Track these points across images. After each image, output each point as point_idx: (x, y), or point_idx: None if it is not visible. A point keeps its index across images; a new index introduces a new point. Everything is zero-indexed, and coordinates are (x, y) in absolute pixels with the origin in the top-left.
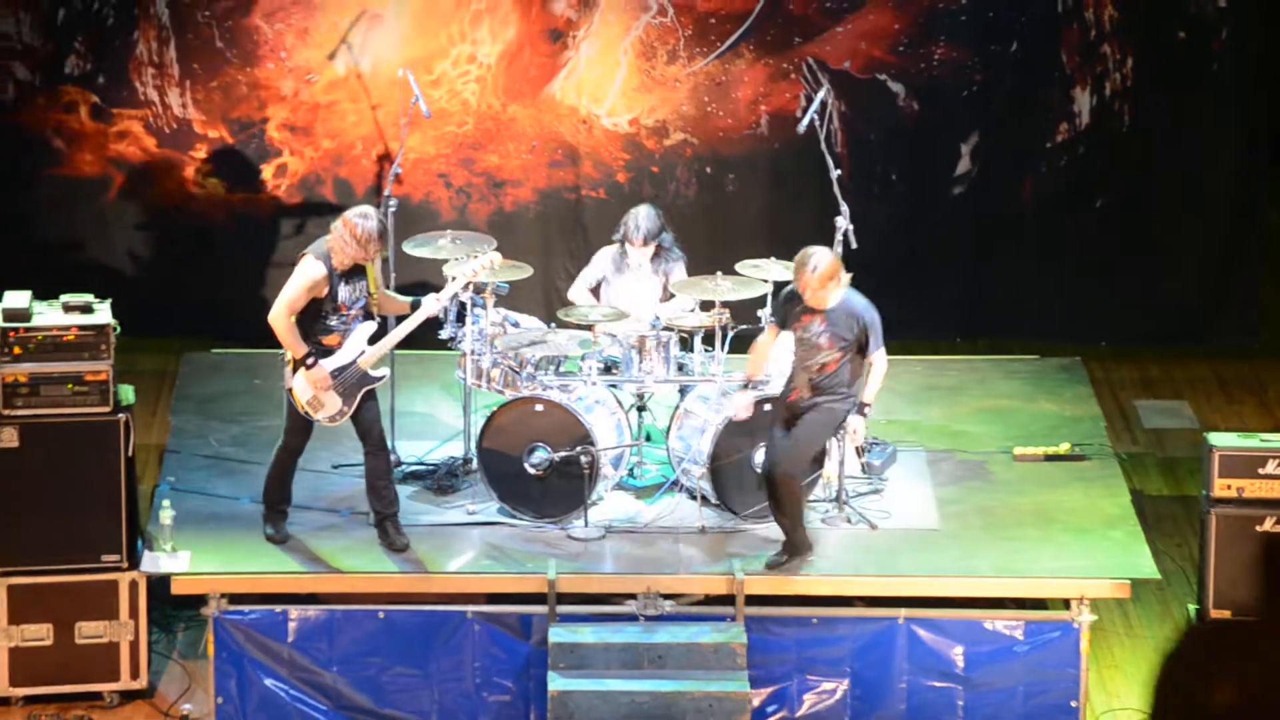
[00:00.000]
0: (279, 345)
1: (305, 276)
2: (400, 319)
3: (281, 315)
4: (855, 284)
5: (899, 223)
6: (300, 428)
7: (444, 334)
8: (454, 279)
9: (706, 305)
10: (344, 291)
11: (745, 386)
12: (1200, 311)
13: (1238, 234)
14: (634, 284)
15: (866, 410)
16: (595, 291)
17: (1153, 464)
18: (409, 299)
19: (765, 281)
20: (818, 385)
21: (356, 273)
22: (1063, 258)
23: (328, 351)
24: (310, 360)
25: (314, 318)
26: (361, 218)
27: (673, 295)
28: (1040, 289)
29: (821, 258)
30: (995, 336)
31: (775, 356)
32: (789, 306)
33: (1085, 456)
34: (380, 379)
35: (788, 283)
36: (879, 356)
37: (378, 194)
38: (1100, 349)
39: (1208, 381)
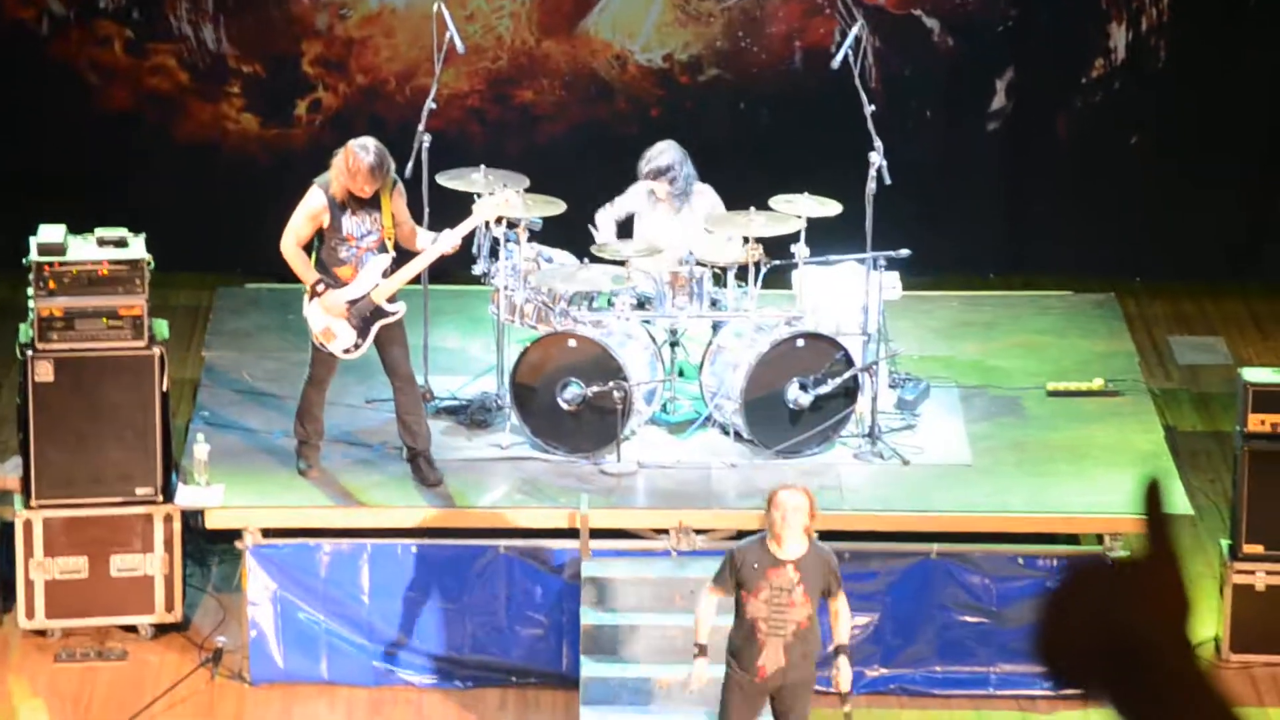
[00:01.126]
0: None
1: (305, 205)
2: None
3: (288, 243)
4: (896, 222)
5: (933, 159)
6: (323, 360)
7: (477, 269)
8: (473, 216)
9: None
10: (349, 223)
11: (698, 654)
12: (1235, 247)
13: (1273, 171)
14: (666, 220)
15: (844, 654)
16: (626, 225)
17: (1186, 400)
18: (432, 234)
19: (799, 217)
20: (792, 650)
21: (367, 205)
22: (1097, 193)
23: (341, 283)
24: (320, 287)
25: (326, 248)
26: (361, 149)
27: (708, 230)
28: (1075, 225)
29: (800, 497)
30: (1029, 272)
31: (809, 294)
32: (749, 558)
33: (1119, 392)
34: (395, 314)
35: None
36: (843, 600)
37: (411, 129)
38: (1134, 285)
39: (1242, 317)
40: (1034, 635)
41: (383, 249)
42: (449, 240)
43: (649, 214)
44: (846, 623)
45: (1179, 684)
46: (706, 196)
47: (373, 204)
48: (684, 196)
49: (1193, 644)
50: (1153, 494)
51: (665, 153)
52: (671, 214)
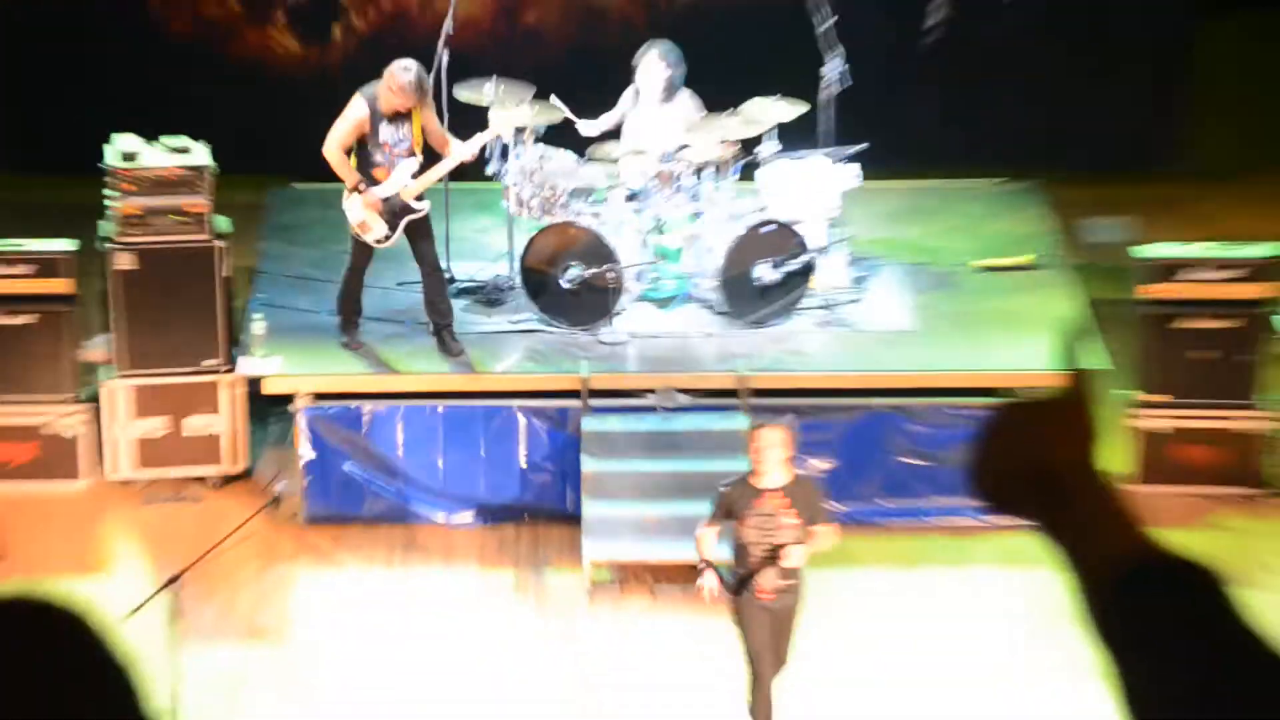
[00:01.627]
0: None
1: (349, 113)
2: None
3: (331, 147)
4: (852, 121)
5: (884, 62)
6: (360, 249)
7: (489, 169)
8: (489, 129)
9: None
10: (386, 131)
11: (704, 568)
12: (1140, 138)
13: (1172, 71)
14: (653, 119)
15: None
16: (615, 133)
17: (1096, 273)
18: (460, 143)
19: (767, 120)
20: (786, 573)
21: (402, 117)
22: (1027, 94)
23: (376, 183)
24: (362, 186)
25: (364, 152)
26: (402, 70)
27: (692, 136)
28: (1007, 122)
29: (776, 433)
30: (966, 163)
31: (783, 192)
32: (735, 493)
33: (1038, 266)
34: (421, 210)
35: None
36: (828, 530)
37: (432, 50)
38: (1054, 174)
39: (1143, 200)
40: (969, 469)
41: (411, 154)
42: (468, 149)
43: (633, 114)
44: (824, 541)
45: (1093, 503)
46: (688, 100)
47: (406, 116)
48: (672, 90)
49: (1103, 470)
50: (1069, 349)
51: (661, 53)
52: (659, 112)
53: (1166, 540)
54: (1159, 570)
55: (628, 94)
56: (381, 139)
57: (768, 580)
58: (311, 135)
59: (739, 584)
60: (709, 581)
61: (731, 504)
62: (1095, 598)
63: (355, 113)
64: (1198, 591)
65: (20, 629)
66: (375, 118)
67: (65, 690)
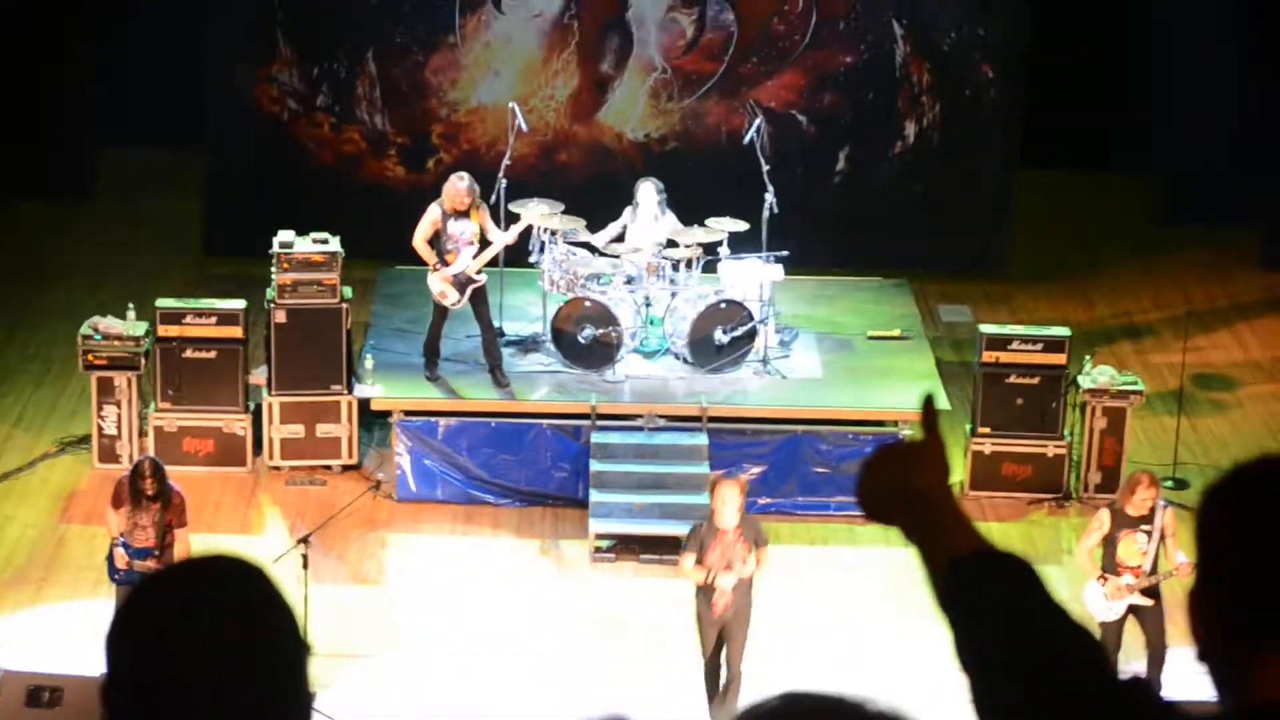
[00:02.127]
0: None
1: (427, 216)
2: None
3: (417, 240)
4: (780, 234)
5: (802, 197)
6: (439, 311)
7: (532, 259)
8: (521, 221)
9: (688, 245)
10: (454, 227)
11: (708, 582)
12: (978, 251)
13: (999, 206)
14: (644, 229)
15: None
16: (619, 238)
17: (947, 343)
18: (499, 231)
19: (722, 231)
20: (738, 591)
21: (464, 216)
22: (898, 220)
23: (447, 264)
24: (438, 266)
25: (439, 243)
26: (458, 178)
27: (672, 241)
28: (887, 237)
29: (733, 488)
30: (859, 265)
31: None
32: (704, 529)
33: (909, 337)
34: (480, 281)
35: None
36: (765, 552)
37: (495, 177)
38: (919, 274)
39: (978, 294)
40: (854, 489)
41: (472, 244)
42: (508, 237)
43: (632, 227)
44: (761, 564)
45: (939, 512)
46: (671, 217)
47: (466, 215)
48: (660, 208)
49: (951, 489)
50: (928, 401)
51: (652, 184)
52: (646, 225)
53: (992, 537)
54: (986, 559)
55: (628, 211)
56: (450, 232)
57: (723, 595)
58: (409, 234)
59: (701, 598)
60: (724, 583)
61: (701, 538)
62: (940, 581)
63: (431, 215)
64: (1014, 573)
65: (221, 579)
66: (445, 217)
67: (255, 621)
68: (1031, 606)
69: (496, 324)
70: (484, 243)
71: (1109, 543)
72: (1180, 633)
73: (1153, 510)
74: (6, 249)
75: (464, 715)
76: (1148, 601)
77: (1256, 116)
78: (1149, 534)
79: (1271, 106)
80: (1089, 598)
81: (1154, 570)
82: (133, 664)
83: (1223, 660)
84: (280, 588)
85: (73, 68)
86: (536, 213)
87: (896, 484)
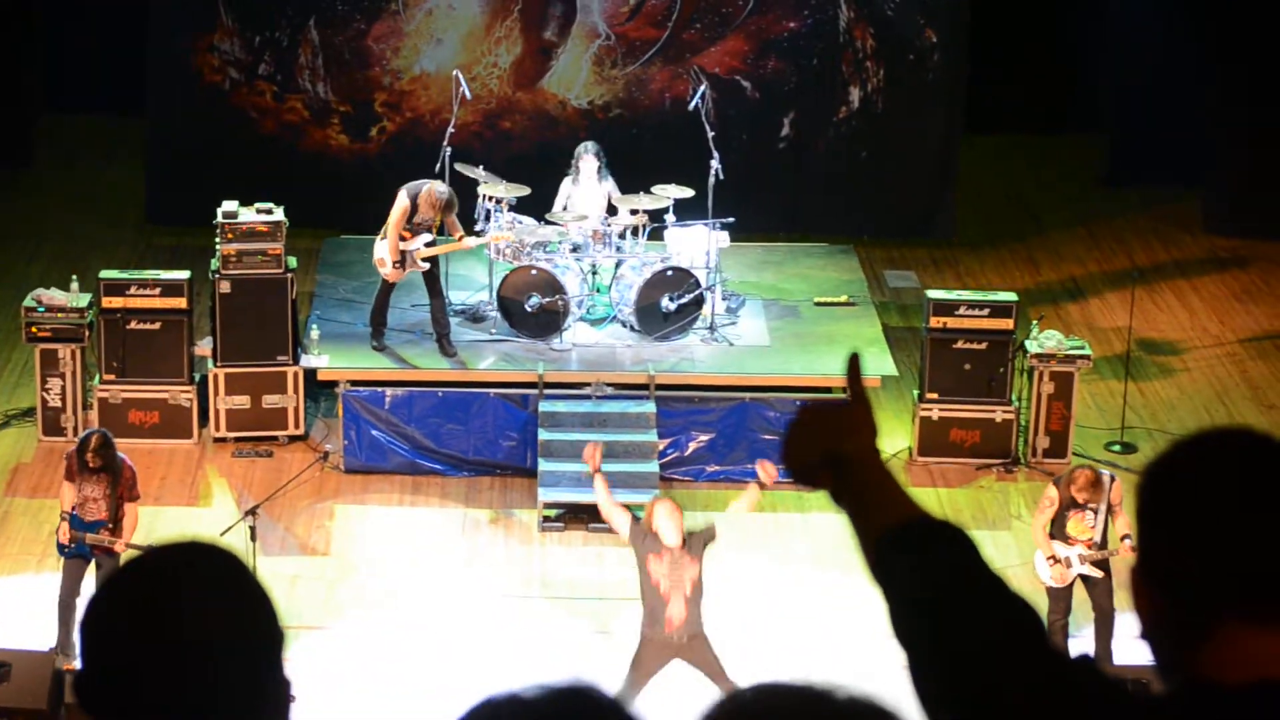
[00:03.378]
0: (376, 233)
1: (397, 206)
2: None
3: (389, 224)
4: (726, 201)
5: (746, 163)
6: (384, 281)
7: (478, 227)
8: (473, 240)
9: (633, 211)
10: (416, 218)
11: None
12: (923, 217)
13: (944, 171)
14: (586, 195)
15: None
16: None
17: (894, 308)
18: (461, 235)
19: (668, 198)
20: (690, 605)
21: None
22: (844, 186)
23: (402, 238)
24: (384, 235)
25: (403, 225)
26: (440, 191)
27: (613, 206)
28: (832, 203)
29: (670, 511)
30: (805, 231)
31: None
32: (644, 538)
33: (855, 303)
34: (422, 267)
35: None
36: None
37: (439, 144)
38: (865, 240)
39: (925, 259)
40: (781, 452)
41: (429, 233)
42: (467, 243)
43: (574, 194)
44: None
45: (869, 478)
46: (610, 183)
47: (428, 230)
48: (600, 173)
49: (879, 454)
50: (853, 361)
51: (590, 148)
52: (587, 191)
53: (941, 503)
54: (920, 528)
55: (567, 180)
56: (413, 221)
57: (677, 614)
58: (354, 202)
59: (649, 619)
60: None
61: (647, 540)
62: (872, 551)
63: (401, 203)
64: (949, 543)
65: (199, 565)
66: (412, 209)
67: (235, 607)
68: (967, 578)
69: (444, 293)
70: (439, 235)
71: (1058, 519)
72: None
73: (1097, 488)
74: None
75: (413, 686)
76: (1098, 573)
77: (1197, 79)
78: (1095, 511)
79: (1212, 68)
80: (1039, 564)
81: (1104, 544)
82: (110, 651)
83: (1165, 639)
84: (257, 574)
85: (13, 34)
86: (485, 239)
87: (823, 447)
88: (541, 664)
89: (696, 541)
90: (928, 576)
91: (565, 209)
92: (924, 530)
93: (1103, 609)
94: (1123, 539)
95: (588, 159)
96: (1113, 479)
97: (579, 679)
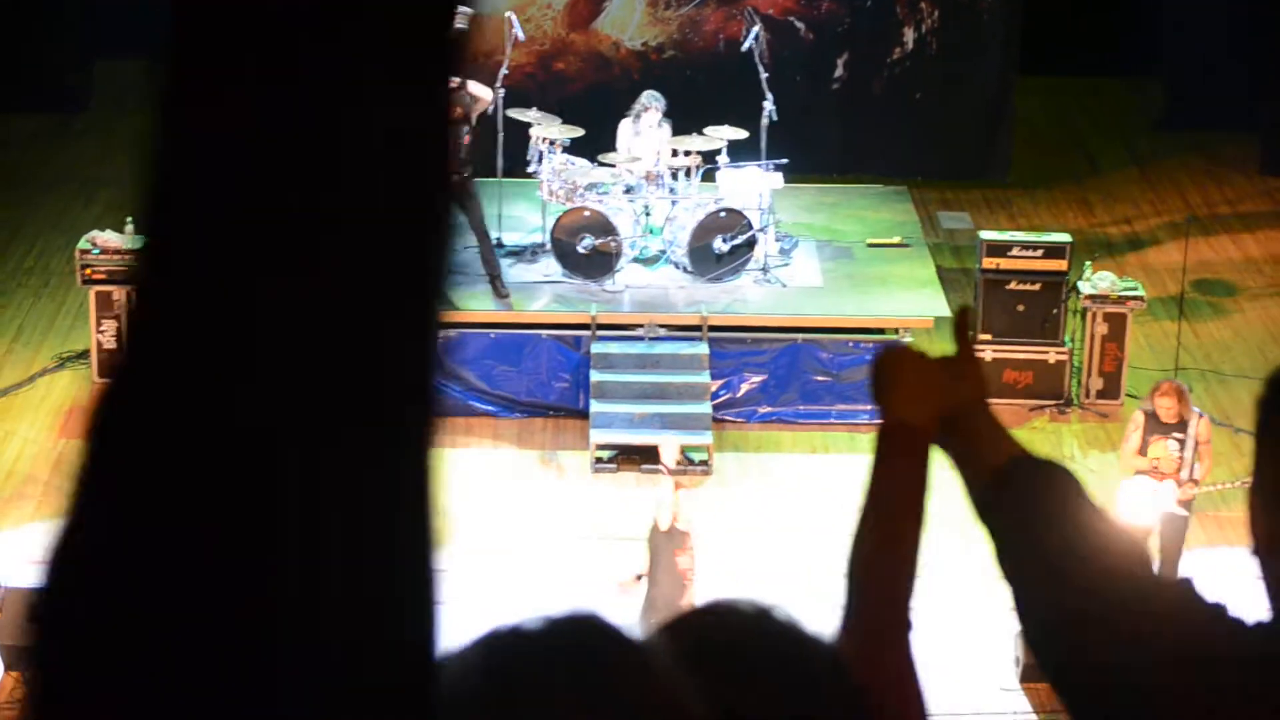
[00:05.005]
0: None
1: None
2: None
3: None
4: (779, 142)
5: (801, 104)
6: None
7: (530, 169)
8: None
9: (686, 153)
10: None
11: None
12: (977, 158)
13: (998, 113)
14: (645, 143)
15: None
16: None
17: (947, 250)
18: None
19: (721, 140)
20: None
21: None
22: (897, 127)
23: None
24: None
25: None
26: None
27: (673, 150)
28: (886, 144)
29: (673, 503)
30: (858, 173)
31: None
32: (659, 540)
33: (909, 244)
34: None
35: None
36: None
37: (493, 85)
38: (918, 181)
39: (978, 201)
40: (886, 397)
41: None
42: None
43: (635, 142)
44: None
45: (980, 422)
46: (667, 130)
47: (465, 121)
48: (660, 124)
49: (989, 406)
50: (962, 314)
51: (654, 95)
52: (648, 135)
53: (1029, 444)
54: (1027, 466)
55: (628, 123)
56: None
57: (678, 600)
58: None
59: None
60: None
61: (670, 538)
62: (979, 490)
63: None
64: (1057, 481)
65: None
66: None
67: None
68: (1075, 513)
69: (495, 235)
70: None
71: (1142, 445)
72: (1197, 539)
73: (1183, 420)
74: (1, 162)
75: (465, 628)
76: (1183, 512)
77: (1253, 20)
78: (1181, 442)
79: (1270, 12)
80: (1123, 501)
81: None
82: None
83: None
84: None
85: None
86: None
87: (935, 400)
88: (592, 606)
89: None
90: (1035, 512)
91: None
92: (1031, 467)
93: (1168, 549)
94: (1194, 475)
95: (653, 111)
96: (1200, 414)
97: (581, 608)
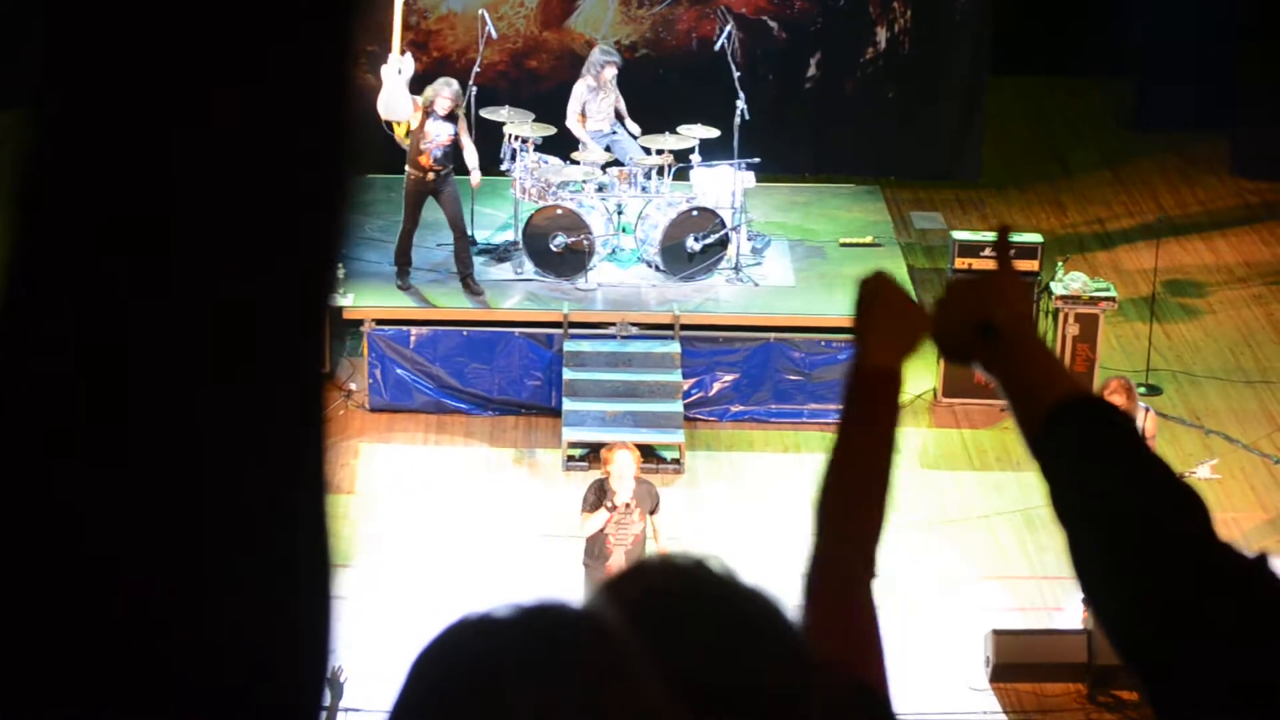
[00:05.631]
0: (403, 172)
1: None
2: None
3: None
4: (751, 141)
5: (773, 103)
6: (410, 218)
7: (503, 167)
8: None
9: (658, 151)
10: (433, 127)
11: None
12: (949, 158)
13: (971, 113)
14: (602, 104)
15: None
16: (581, 115)
17: (920, 249)
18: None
19: (694, 138)
20: (630, 556)
21: (446, 120)
22: (870, 128)
23: (419, 164)
24: (408, 128)
25: (414, 138)
26: (444, 82)
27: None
28: (858, 144)
29: (628, 456)
30: (831, 172)
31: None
32: (602, 491)
33: (881, 244)
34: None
35: None
36: (658, 518)
37: (466, 84)
38: (890, 180)
39: (950, 201)
40: (934, 330)
41: (445, 146)
42: (475, 177)
43: (591, 100)
44: (659, 534)
45: (1026, 347)
46: (617, 92)
47: (450, 120)
48: (613, 80)
49: (1032, 320)
50: (1003, 232)
51: (607, 50)
52: (604, 97)
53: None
54: (1082, 405)
55: (580, 86)
56: (427, 131)
57: (616, 563)
58: (383, 144)
59: (591, 560)
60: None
61: (597, 500)
62: (1034, 429)
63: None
64: (1113, 422)
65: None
66: (427, 115)
67: None
68: (1134, 456)
69: (469, 232)
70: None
71: None
72: None
73: (1130, 396)
74: None
75: (437, 625)
76: None
77: (1225, 22)
78: None
79: (1240, 12)
80: None
81: None
82: None
83: None
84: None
85: None
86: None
87: (974, 317)
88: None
89: (646, 496)
90: (1095, 453)
91: (583, 114)
92: (1089, 407)
93: None
94: None
95: (610, 68)
96: (1147, 409)
97: (550, 597)
